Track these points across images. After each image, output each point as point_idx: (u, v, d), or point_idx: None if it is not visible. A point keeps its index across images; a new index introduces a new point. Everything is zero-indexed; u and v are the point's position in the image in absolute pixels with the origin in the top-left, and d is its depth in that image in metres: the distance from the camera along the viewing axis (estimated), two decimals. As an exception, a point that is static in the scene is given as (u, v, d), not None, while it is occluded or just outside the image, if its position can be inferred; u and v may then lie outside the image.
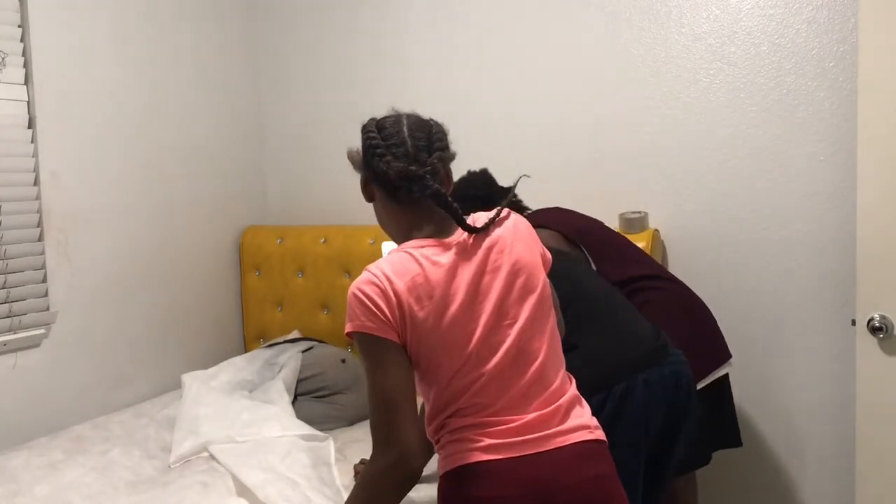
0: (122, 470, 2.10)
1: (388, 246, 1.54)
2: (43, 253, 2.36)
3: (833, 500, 2.49)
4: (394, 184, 1.43)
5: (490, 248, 1.43)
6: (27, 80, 2.31)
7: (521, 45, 2.78)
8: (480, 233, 1.43)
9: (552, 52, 2.74)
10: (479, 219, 1.48)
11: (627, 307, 1.95)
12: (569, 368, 1.77)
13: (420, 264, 1.38)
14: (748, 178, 2.51)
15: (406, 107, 3.09)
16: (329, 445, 2.18)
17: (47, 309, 2.37)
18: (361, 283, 1.38)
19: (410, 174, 1.41)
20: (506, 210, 1.51)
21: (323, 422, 2.43)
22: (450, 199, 1.42)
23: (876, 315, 1.97)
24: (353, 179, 3.43)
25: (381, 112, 3.25)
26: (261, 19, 3.21)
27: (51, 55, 2.37)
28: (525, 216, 2.22)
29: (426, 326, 1.36)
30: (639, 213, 2.55)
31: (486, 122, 2.84)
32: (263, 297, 3.09)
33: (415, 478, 1.37)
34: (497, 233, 1.45)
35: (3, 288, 2.25)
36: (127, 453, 2.19)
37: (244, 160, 3.19)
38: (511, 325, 1.40)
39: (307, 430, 2.25)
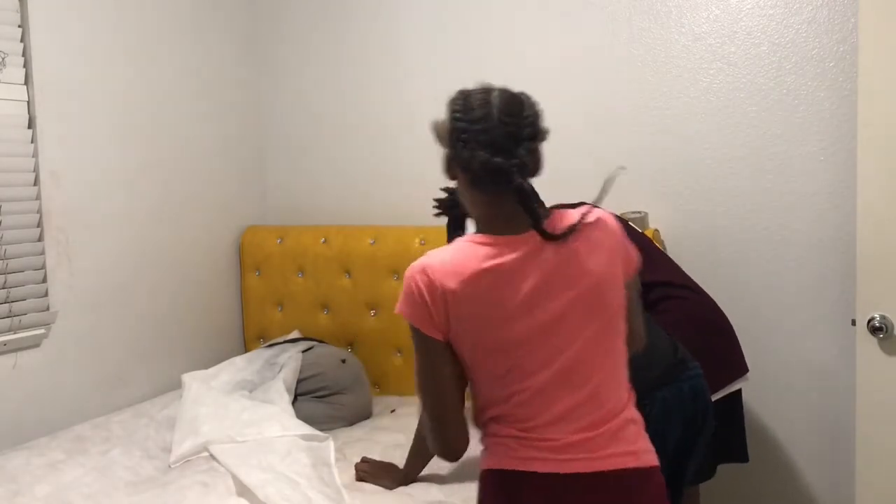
0: (122, 470, 2.10)
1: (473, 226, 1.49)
2: (43, 253, 2.35)
3: (833, 500, 2.49)
4: (476, 174, 1.33)
5: (564, 257, 1.32)
6: (27, 80, 2.31)
7: (521, 45, 2.78)
8: (557, 241, 1.31)
9: (552, 52, 2.74)
10: (563, 218, 1.36)
11: (645, 318, 1.93)
12: None
13: (481, 263, 1.31)
14: (748, 178, 2.51)
15: (403, 106, 3.12)
16: (329, 445, 2.18)
17: (47, 309, 2.37)
18: (417, 270, 1.33)
19: (495, 167, 1.30)
20: (594, 213, 1.37)
21: (323, 422, 2.43)
22: (532, 198, 1.31)
23: (876, 315, 1.98)
24: (353, 179, 3.42)
25: (379, 112, 3.24)
26: (261, 20, 3.21)
27: (51, 55, 2.37)
28: (544, 211, 2.20)
29: (471, 328, 1.32)
30: (639, 213, 2.55)
31: (486, 122, 2.84)
32: (263, 297, 3.09)
33: (456, 460, 1.41)
34: (576, 240, 1.33)
35: (3, 288, 2.25)
36: (127, 453, 2.19)
37: (244, 160, 3.18)
38: (568, 343, 1.32)
39: (307, 430, 2.24)
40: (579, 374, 1.33)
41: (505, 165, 1.30)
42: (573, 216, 1.35)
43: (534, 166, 1.37)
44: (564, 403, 1.32)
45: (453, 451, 1.39)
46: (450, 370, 1.35)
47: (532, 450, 1.32)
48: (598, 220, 1.38)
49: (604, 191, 1.38)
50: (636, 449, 1.37)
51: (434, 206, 2.12)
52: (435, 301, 1.31)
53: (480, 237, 1.35)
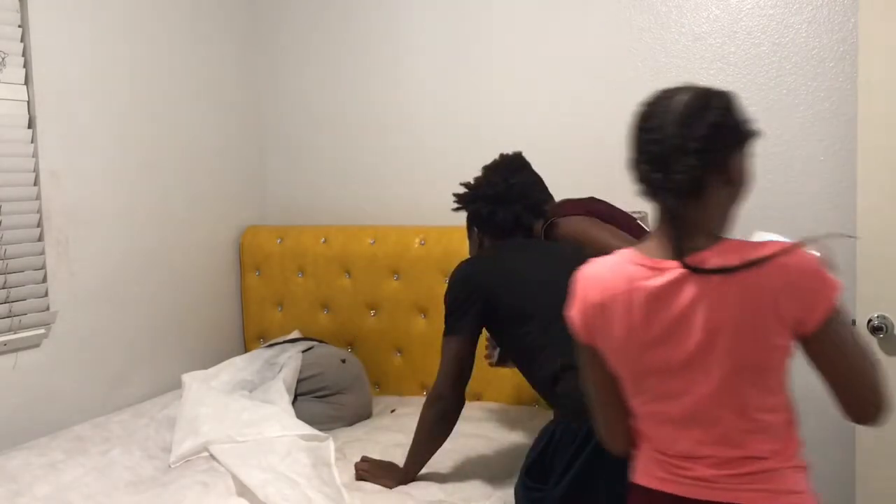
0: (122, 470, 2.10)
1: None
2: (43, 253, 2.35)
3: (833, 500, 2.49)
4: (639, 186, 1.29)
5: (710, 294, 1.21)
6: (27, 80, 2.31)
7: (521, 46, 2.78)
8: (703, 274, 1.20)
9: (552, 52, 2.74)
10: (729, 251, 1.21)
11: None
12: (565, 390, 1.73)
13: (628, 283, 1.27)
14: (748, 178, 2.51)
15: (403, 106, 3.10)
16: (329, 445, 2.18)
17: (47, 309, 2.37)
18: (580, 274, 1.36)
19: (651, 183, 1.25)
20: (775, 253, 1.19)
21: (323, 422, 2.43)
22: (682, 224, 1.22)
23: (876, 315, 1.98)
24: (353, 179, 3.42)
25: (379, 113, 3.21)
26: (261, 20, 3.21)
27: (51, 55, 2.37)
28: (554, 205, 2.20)
29: (606, 344, 1.32)
30: (639, 212, 2.54)
31: (485, 124, 2.84)
32: (263, 297, 3.09)
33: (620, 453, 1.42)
34: (734, 278, 1.19)
35: (3, 288, 2.25)
36: (127, 453, 2.19)
37: (244, 160, 3.19)
38: (697, 382, 1.25)
39: (307, 430, 2.25)
40: (708, 416, 1.26)
41: (659, 183, 1.23)
42: (742, 251, 1.21)
43: (728, 178, 1.25)
44: (693, 438, 1.28)
45: (610, 447, 1.43)
46: (600, 372, 1.37)
47: (666, 472, 1.31)
48: (773, 262, 1.20)
49: (807, 241, 1.25)
50: (777, 489, 1.26)
51: (454, 201, 2.11)
52: (584, 308, 1.34)
53: (638, 255, 1.30)
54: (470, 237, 2.15)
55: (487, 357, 2.22)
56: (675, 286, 1.23)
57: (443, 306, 1.99)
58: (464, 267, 2.01)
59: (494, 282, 1.92)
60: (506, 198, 2.06)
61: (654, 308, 1.25)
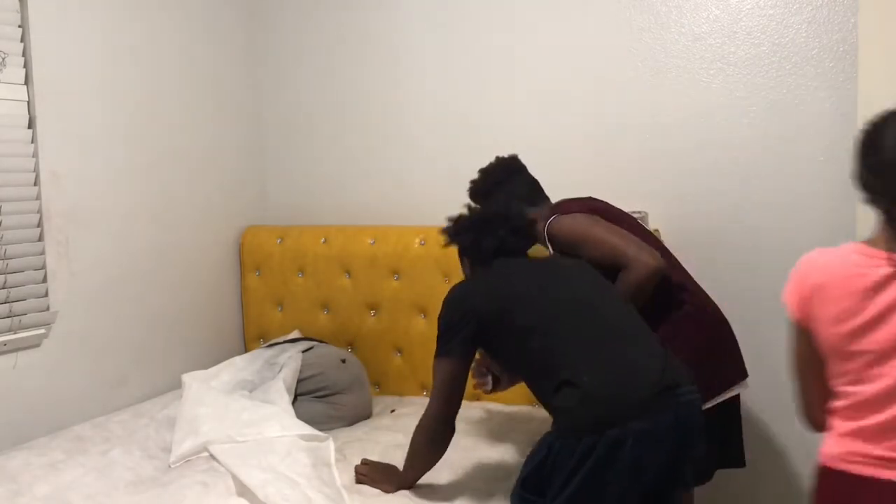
0: (122, 470, 2.10)
1: None
2: (43, 253, 2.35)
3: None
4: (860, 187, 1.42)
5: None
6: (27, 80, 2.31)
7: (521, 46, 2.78)
8: None
9: (551, 52, 2.74)
10: None
11: (638, 334, 1.83)
12: (563, 406, 1.71)
13: (847, 269, 1.39)
14: (748, 177, 2.51)
15: (402, 106, 3.10)
16: (329, 445, 2.18)
17: (47, 309, 2.37)
18: (803, 258, 1.46)
19: (872, 188, 1.39)
20: None
21: (323, 422, 2.43)
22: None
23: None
24: (354, 179, 3.43)
25: (379, 113, 3.23)
26: (260, 19, 3.21)
27: (51, 55, 2.36)
28: (553, 205, 2.19)
29: (818, 324, 1.43)
30: (639, 212, 2.55)
31: (485, 124, 2.84)
32: (263, 297, 3.09)
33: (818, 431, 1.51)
34: None
35: (3, 288, 2.25)
36: (127, 453, 2.19)
37: (244, 160, 3.18)
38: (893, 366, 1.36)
39: (307, 430, 2.24)
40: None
41: (878, 188, 1.38)
42: None
43: None
44: (887, 419, 1.37)
45: (809, 424, 1.54)
46: (808, 351, 1.48)
47: (855, 453, 1.40)
48: None
49: None
50: None
51: (444, 236, 2.10)
52: (802, 288, 1.45)
53: (862, 246, 1.41)
54: (462, 267, 2.15)
55: (480, 385, 2.21)
56: (889, 279, 1.35)
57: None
58: (458, 289, 1.99)
59: (490, 302, 1.89)
60: (489, 224, 2.04)
61: (869, 296, 1.37)
